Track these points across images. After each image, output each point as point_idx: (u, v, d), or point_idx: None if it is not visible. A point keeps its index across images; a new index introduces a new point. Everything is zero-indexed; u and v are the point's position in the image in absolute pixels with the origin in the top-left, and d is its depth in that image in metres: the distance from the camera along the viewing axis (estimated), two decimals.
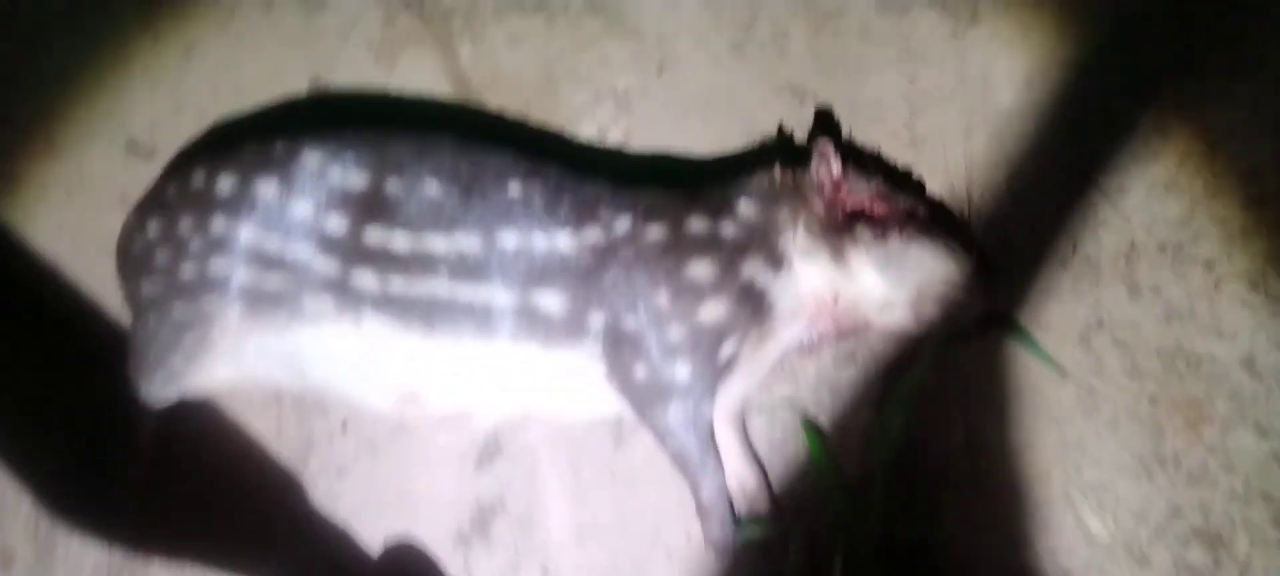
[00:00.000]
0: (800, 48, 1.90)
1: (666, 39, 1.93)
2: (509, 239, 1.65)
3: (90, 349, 1.91)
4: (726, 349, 1.64)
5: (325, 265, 1.67)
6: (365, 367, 1.72)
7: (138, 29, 2.03)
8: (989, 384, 1.80)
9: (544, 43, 1.96)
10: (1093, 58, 1.77)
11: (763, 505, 1.78)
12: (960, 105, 1.85)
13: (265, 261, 1.68)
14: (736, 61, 1.91)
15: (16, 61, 2.07)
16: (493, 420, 1.82)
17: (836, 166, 1.66)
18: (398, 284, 1.66)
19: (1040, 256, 1.80)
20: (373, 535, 1.84)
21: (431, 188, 1.67)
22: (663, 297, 1.62)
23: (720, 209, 1.68)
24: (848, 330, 1.74)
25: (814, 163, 1.67)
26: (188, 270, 1.70)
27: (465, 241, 1.65)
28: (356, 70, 2.02)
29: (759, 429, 1.84)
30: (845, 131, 1.89)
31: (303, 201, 1.68)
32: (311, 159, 1.70)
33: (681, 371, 1.63)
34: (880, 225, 1.66)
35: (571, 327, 1.64)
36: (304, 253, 1.67)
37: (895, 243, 1.64)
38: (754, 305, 1.65)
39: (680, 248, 1.64)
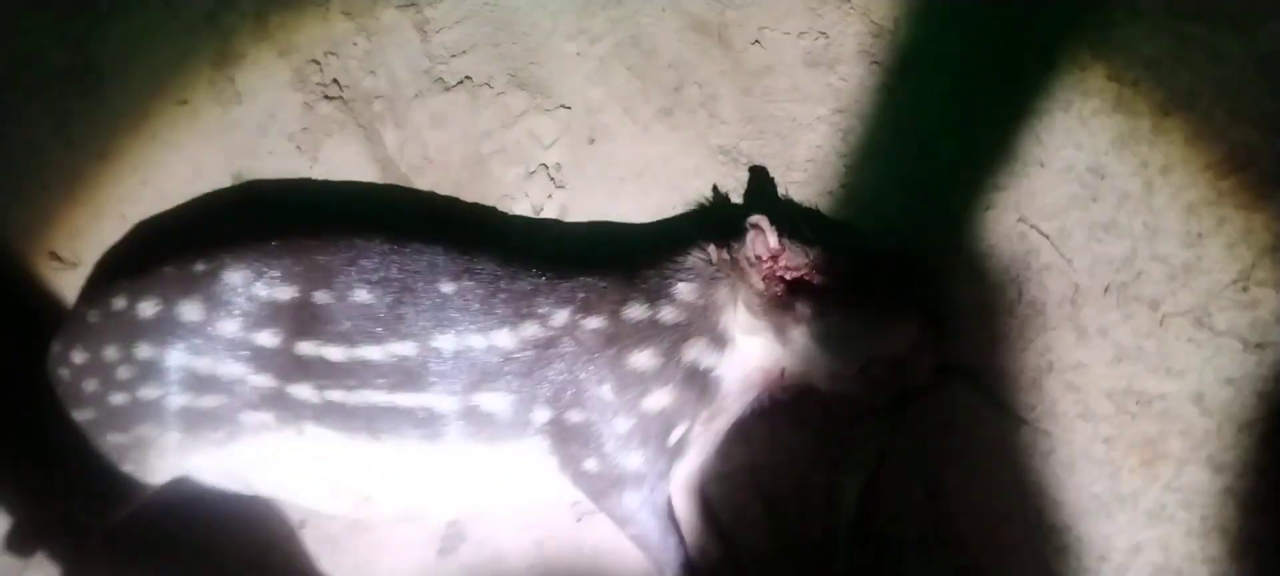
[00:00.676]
0: (730, 109, 1.86)
1: (595, 109, 1.89)
2: (446, 342, 1.62)
3: (29, 470, 1.86)
4: (676, 432, 1.64)
5: (260, 380, 1.64)
6: (312, 475, 1.72)
7: (50, 136, 1.95)
8: (945, 435, 1.79)
9: (470, 121, 1.91)
10: (1032, 102, 1.75)
11: (727, 574, 1.77)
12: (896, 157, 1.82)
13: (198, 382, 1.64)
14: (667, 128, 1.88)
15: None
16: (450, 513, 1.82)
17: (772, 239, 1.62)
18: (337, 394, 1.64)
19: (986, 305, 1.78)
20: None
21: (361, 294, 1.64)
22: (607, 390, 1.60)
23: (658, 293, 1.65)
24: (800, 394, 1.72)
25: (749, 237, 1.63)
26: (118, 398, 1.67)
27: (401, 348, 1.62)
28: (279, 161, 1.96)
29: (719, 496, 1.82)
30: (781, 192, 1.86)
31: (229, 321, 1.64)
32: (234, 276, 1.65)
33: (633, 460, 1.61)
34: (821, 296, 1.63)
35: (518, 425, 1.62)
36: (237, 370, 1.64)
37: (836, 315, 1.62)
38: (701, 387, 1.63)
39: (621, 337, 1.61)
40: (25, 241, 1.97)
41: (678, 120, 1.87)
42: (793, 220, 1.67)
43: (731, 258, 1.65)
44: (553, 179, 1.91)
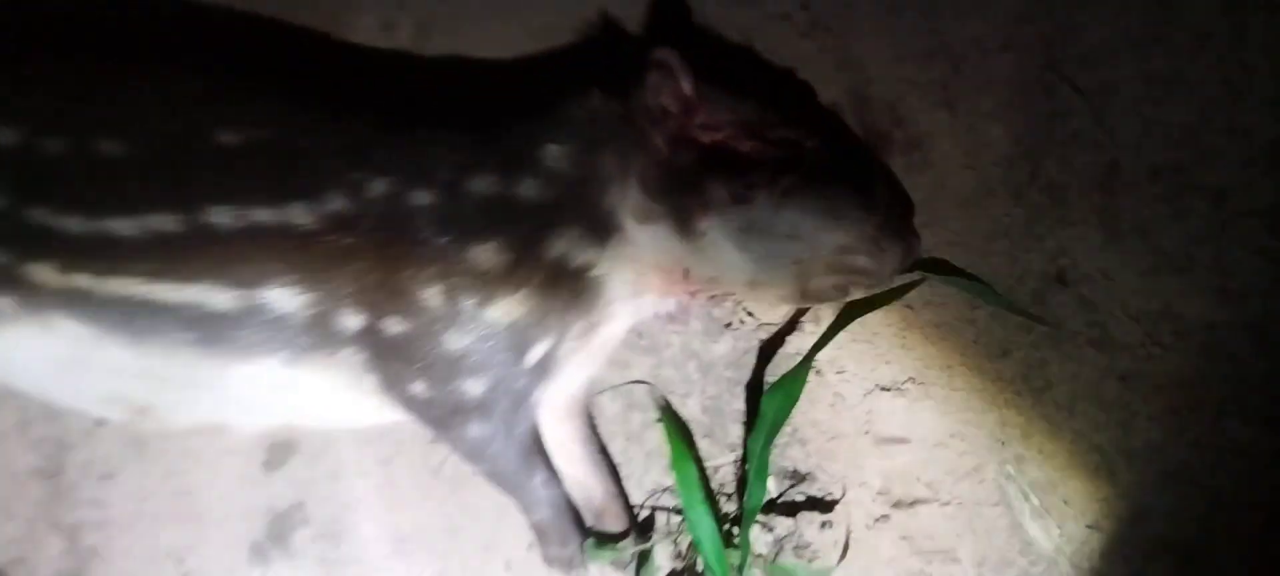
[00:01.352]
0: None
1: None
2: (221, 216, 1.25)
3: None
4: (537, 350, 1.29)
5: None
6: (74, 379, 1.40)
7: None
8: (903, 353, 1.50)
9: None
10: None
11: (614, 517, 1.51)
12: None
13: None
14: None
15: None
16: (254, 431, 1.54)
17: (686, 84, 1.20)
18: (82, 279, 1.30)
19: (984, 186, 1.48)
20: (153, 550, 1.60)
21: (109, 146, 1.28)
22: (434, 293, 1.24)
23: (516, 158, 1.26)
24: (716, 297, 1.42)
25: (651, 79, 1.21)
26: None
27: (160, 221, 1.26)
28: None
29: (612, 416, 1.55)
30: (702, 19, 1.48)
31: None
32: None
33: (474, 385, 1.29)
34: (745, 173, 1.23)
35: (319, 335, 1.28)
36: None
37: (763, 203, 1.22)
38: (571, 291, 1.28)
39: (457, 220, 1.24)
40: None
41: None
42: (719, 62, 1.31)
43: (624, 109, 1.25)
44: None
